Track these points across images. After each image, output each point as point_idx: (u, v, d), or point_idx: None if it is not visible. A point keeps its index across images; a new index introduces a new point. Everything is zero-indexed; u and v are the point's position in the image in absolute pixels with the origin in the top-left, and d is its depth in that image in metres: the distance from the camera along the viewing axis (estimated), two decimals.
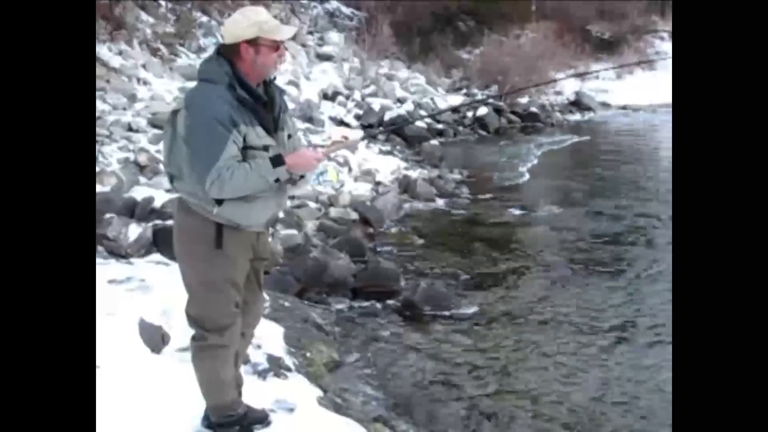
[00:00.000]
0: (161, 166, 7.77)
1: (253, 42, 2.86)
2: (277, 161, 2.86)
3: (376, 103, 15.72)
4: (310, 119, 13.48)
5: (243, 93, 2.83)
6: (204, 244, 2.94)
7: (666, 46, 27.66)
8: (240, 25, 2.87)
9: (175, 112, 2.91)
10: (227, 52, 2.90)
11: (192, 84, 3.02)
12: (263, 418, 3.41)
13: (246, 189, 2.83)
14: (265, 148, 2.88)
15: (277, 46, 2.91)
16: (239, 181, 2.78)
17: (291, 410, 3.68)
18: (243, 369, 3.67)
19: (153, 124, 9.76)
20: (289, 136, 3.08)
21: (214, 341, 3.09)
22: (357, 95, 16.22)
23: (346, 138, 3.25)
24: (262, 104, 2.92)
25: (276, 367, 4.22)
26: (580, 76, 17.53)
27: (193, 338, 3.14)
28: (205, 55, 14.60)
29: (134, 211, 6.98)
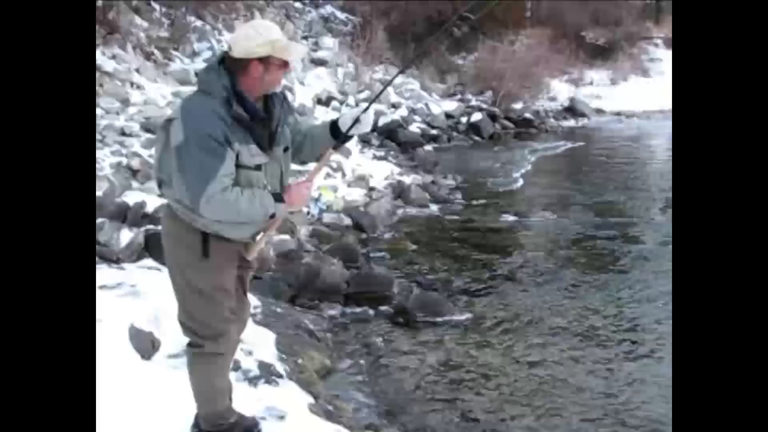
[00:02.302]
0: (153, 164, 7.74)
1: (264, 60, 2.79)
2: (278, 198, 2.86)
3: (370, 109, 15.70)
4: None
5: (239, 110, 2.76)
6: (190, 251, 2.92)
7: (660, 53, 27.81)
8: (254, 42, 2.77)
9: (169, 120, 2.84)
10: (233, 65, 2.81)
11: (186, 88, 3.00)
12: (253, 426, 3.39)
13: (245, 215, 2.78)
14: (258, 168, 2.84)
15: (285, 63, 2.86)
16: (243, 206, 2.73)
17: (282, 417, 3.66)
18: (233, 375, 3.65)
19: (146, 129, 9.71)
20: (286, 149, 3.02)
21: (210, 349, 3.06)
22: (351, 100, 16.21)
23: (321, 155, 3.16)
24: (260, 120, 2.85)
25: (267, 373, 4.19)
26: None
27: (189, 345, 3.12)
28: (199, 60, 14.67)
29: (126, 215, 6.94)
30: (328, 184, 9.66)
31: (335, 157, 10.86)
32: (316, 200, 3.21)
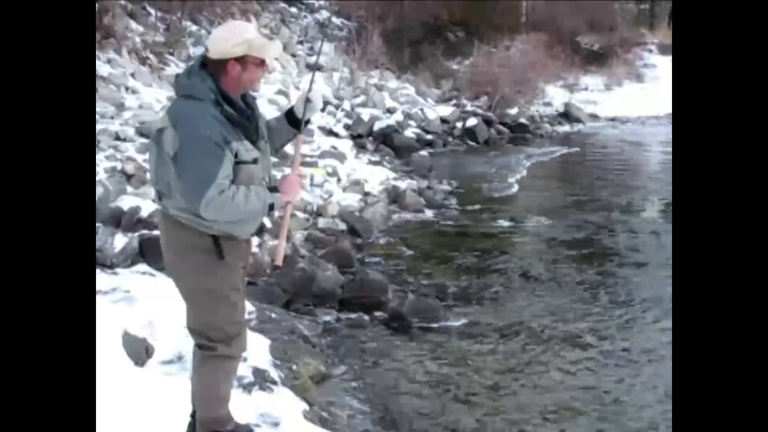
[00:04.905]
0: (149, 176, 7.73)
1: (241, 59, 2.85)
2: (273, 189, 2.94)
3: (365, 113, 15.70)
4: None
5: (230, 109, 2.83)
6: (205, 255, 2.92)
7: (654, 59, 27.88)
8: (229, 43, 2.84)
9: (160, 131, 2.85)
10: (212, 67, 2.87)
11: None
12: None
13: (245, 211, 2.83)
14: (255, 161, 2.89)
15: (262, 62, 2.93)
16: (241, 202, 2.78)
17: (276, 424, 3.64)
18: None
19: (141, 133, 9.70)
20: (265, 142, 3.08)
21: (223, 351, 3.06)
22: (347, 105, 16.21)
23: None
24: (246, 117, 2.92)
25: (261, 380, 4.17)
26: None
27: (201, 347, 3.09)
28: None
29: (120, 220, 6.93)
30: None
31: (330, 162, 10.95)
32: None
